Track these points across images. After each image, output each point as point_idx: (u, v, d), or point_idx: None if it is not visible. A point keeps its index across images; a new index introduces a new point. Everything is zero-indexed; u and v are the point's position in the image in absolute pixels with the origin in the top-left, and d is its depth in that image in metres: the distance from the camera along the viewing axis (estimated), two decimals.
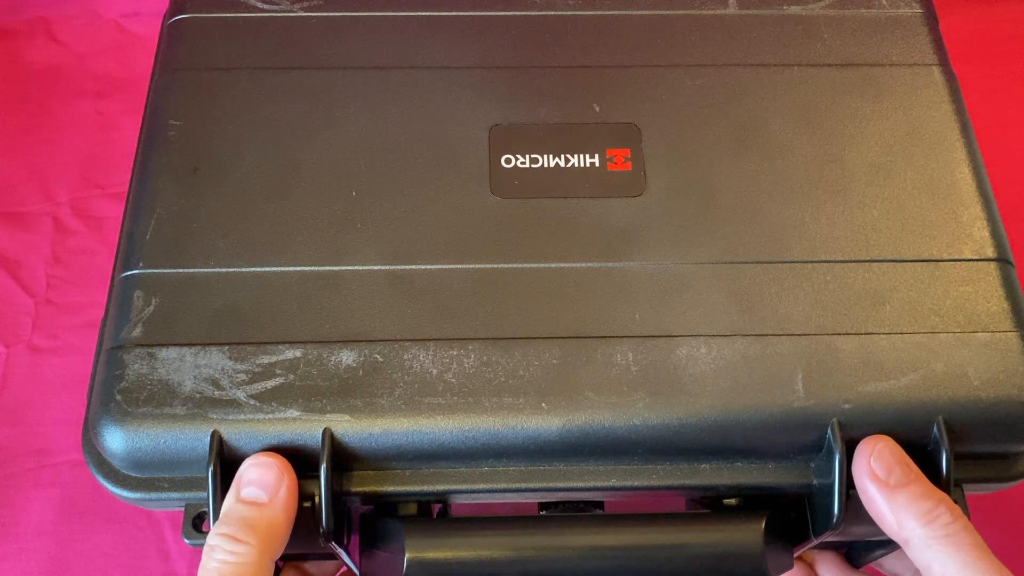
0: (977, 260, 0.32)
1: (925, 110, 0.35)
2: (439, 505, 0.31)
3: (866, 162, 0.34)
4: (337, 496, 0.28)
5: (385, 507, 0.30)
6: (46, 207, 0.54)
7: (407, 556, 0.28)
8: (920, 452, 0.29)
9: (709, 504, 0.31)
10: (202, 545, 0.29)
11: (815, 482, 0.29)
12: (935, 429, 0.28)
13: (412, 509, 0.30)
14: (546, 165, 0.34)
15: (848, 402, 0.29)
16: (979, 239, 0.32)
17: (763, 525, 0.29)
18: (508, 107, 0.35)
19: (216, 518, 0.27)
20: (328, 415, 0.28)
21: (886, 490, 0.27)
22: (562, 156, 0.34)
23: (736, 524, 0.30)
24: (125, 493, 0.29)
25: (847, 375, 0.29)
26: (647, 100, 0.35)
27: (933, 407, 0.28)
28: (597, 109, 0.35)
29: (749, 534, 0.29)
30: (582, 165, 0.34)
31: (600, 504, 0.31)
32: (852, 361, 0.29)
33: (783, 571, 0.30)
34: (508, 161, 0.34)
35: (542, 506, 0.31)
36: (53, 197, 0.54)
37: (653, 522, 0.30)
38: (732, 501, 0.31)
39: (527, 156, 0.34)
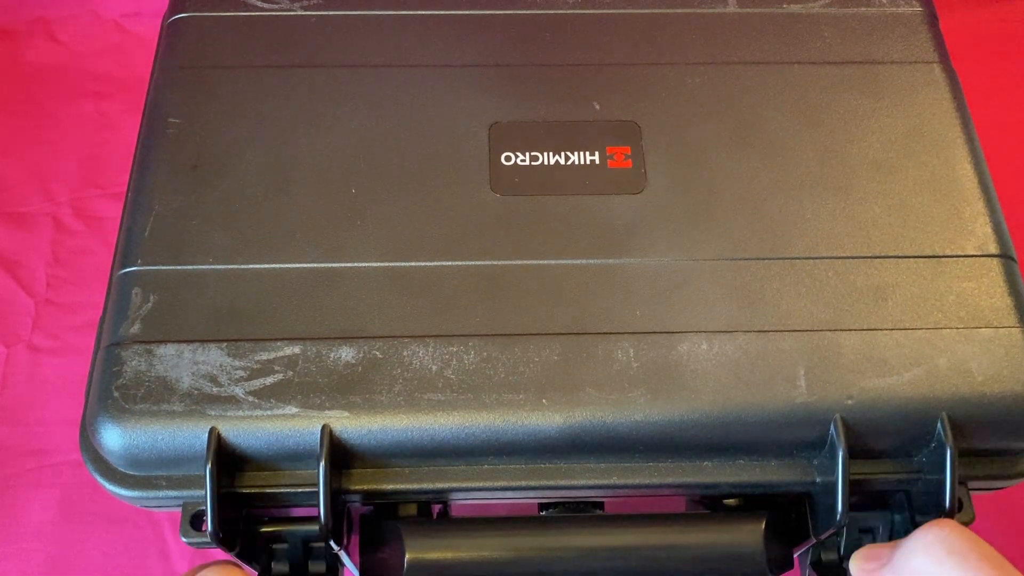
0: (980, 256, 0.31)
1: (926, 107, 0.35)
2: (439, 506, 0.31)
3: (867, 159, 0.34)
4: (336, 494, 0.28)
5: (385, 507, 0.30)
6: (46, 207, 0.54)
7: (407, 557, 0.28)
8: (924, 449, 0.29)
9: (709, 504, 0.31)
10: (200, 544, 0.28)
11: (817, 479, 0.29)
12: (939, 425, 0.28)
13: (412, 510, 0.30)
14: (546, 163, 0.34)
15: (851, 398, 0.28)
16: (981, 235, 0.32)
17: (763, 525, 0.29)
18: (508, 105, 0.35)
19: (214, 516, 0.27)
20: (327, 411, 0.28)
21: None
22: (562, 154, 0.34)
23: (736, 524, 0.30)
24: (123, 491, 0.28)
25: (850, 371, 0.29)
26: (647, 98, 0.35)
27: (936, 403, 0.28)
28: (597, 107, 0.35)
29: (749, 534, 0.29)
30: (582, 162, 0.34)
31: (600, 504, 0.31)
32: (855, 357, 0.29)
33: (783, 571, 0.30)
34: (508, 159, 0.34)
35: (542, 507, 0.31)
36: (53, 197, 0.54)
37: (653, 523, 0.30)
38: (732, 501, 0.31)
39: (527, 154, 0.34)
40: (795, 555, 0.32)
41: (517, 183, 0.33)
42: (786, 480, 0.29)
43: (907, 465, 0.29)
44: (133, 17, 0.59)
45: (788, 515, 0.31)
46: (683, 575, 0.29)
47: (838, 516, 0.28)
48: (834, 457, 0.28)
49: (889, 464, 0.29)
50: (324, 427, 0.28)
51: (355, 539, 0.31)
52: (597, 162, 0.34)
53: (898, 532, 0.30)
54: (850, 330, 0.30)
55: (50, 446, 0.47)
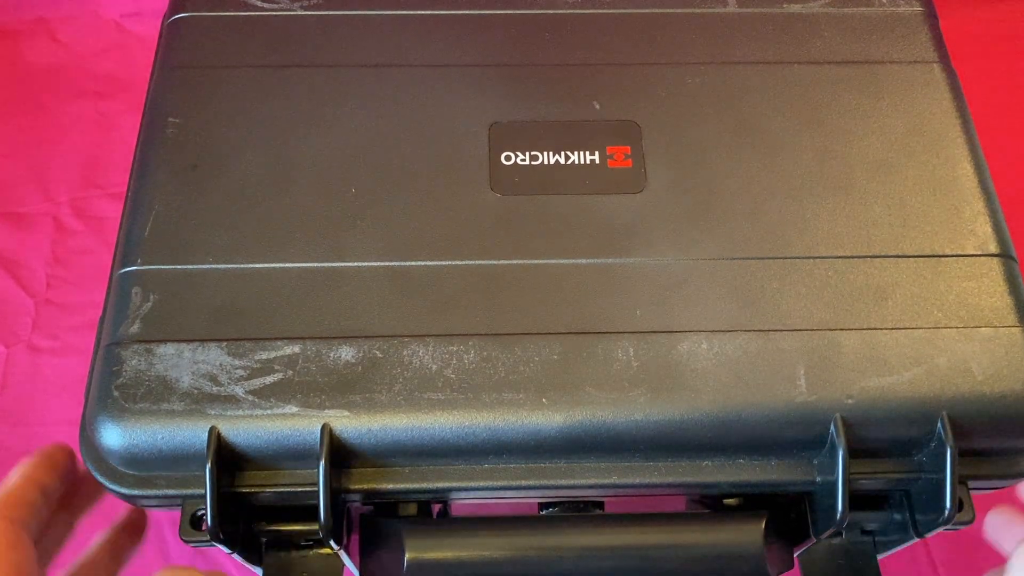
0: (980, 256, 0.31)
1: (926, 106, 0.35)
2: (439, 505, 0.31)
3: (867, 158, 0.34)
4: (336, 493, 0.28)
5: (385, 507, 0.30)
6: (46, 207, 0.54)
7: (407, 556, 0.28)
8: (924, 448, 0.28)
9: (709, 504, 0.31)
10: (200, 544, 0.28)
11: (818, 479, 0.29)
12: (939, 425, 0.28)
13: (412, 509, 0.30)
14: (546, 162, 0.34)
15: (851, 397, 0.28)
16: (981, 235, 0.32)
17: (763, 525, 0.29)
18: (508, 105, 0.35)
19: (214, 515, 0.27)
20: (327, 411, 0.28)
21: None
22: (562, 153, 0.34)
23: (736, 524, 0.30)
24: (123, 491, 0.28)
25: (850, 370, 0.29)
26: (647, 98, 0.35)
27: (936, 402, 0.28)
28: (597, 107, 0.35)
29: (749, 534, 0.29)
30: (582, 162, 0.34)
31: (600, 504, 0.31)
32: (855, 356, 0.29)
33: (783, 571, 0.30)
34: (508, 158, 0.34)
35: (542, 506, 0.31)
36: (53, 197, 0.54)
37: (653, 522, 0.30)
38: (732, 501, 0.30)
39: (527, 153, 0.34)
40: (795, 555, 0.32)
41: (517, 183, 0.33)
42: (786, 479, 0.29)
43: (907, 464, 0.29)
44: (133, 17, 0.59)
45: (788, 515, 0.31)
46: (683, 575, 0.29)
47: (838, 515, 0.27)
48: (834, 457, 0.28)
49: (889, 463, 0.29)
50: (324, 426, 0.27)
51: (355, 539, 0.31)
52: (597, 162, 0.34)
53: (898, 532, 0.30)
54: (850, 329, 0.30)
55: None
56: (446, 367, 0.28)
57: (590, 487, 0.29)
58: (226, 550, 0.28)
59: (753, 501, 0.30)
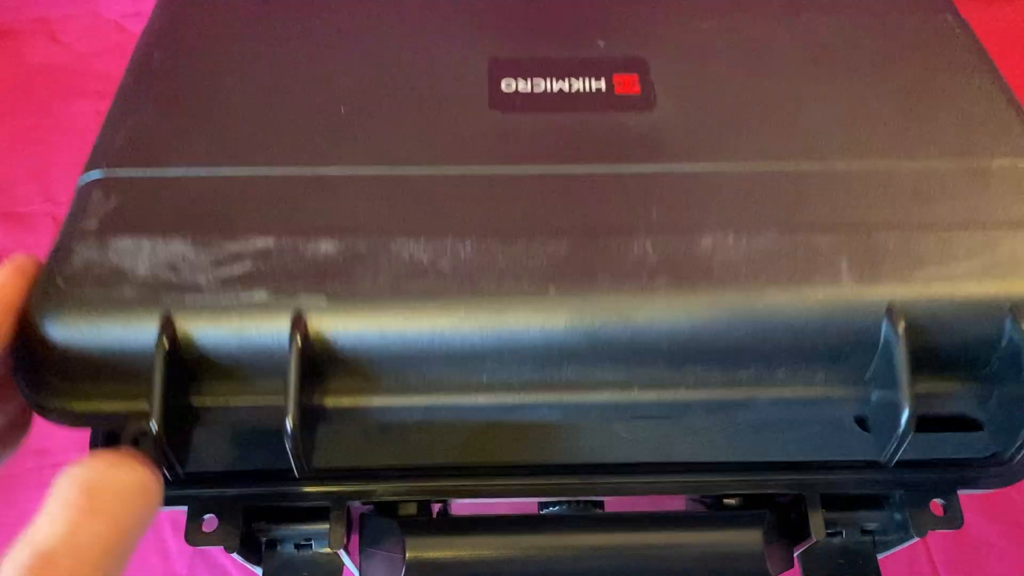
0: None
1: (950, 38, 0.33)
2: (439, 505, 0.30)
3: (893, 82, 0.31)
4: (310, 410, 0.24)
5: (385, 507, 0.29)
6: (46, 207, 0.54)
7: (407, 556, 0.28)
8: (994, 353, 0.24)
9: (709, 504, 0.30)
10: (203, 543, 0.26)
11: (873, 397, 0.24)
12: (1008, 323, 0.24)
13: (412, 509, 0.29)
14: (549, 89, 0.31)
15: (903, 289, 0.24)
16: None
17: (763, 525, 0.28)
18: (508, 42, 0.33)
19: (160, 429, 0.22)
20: (300, 296, 0.23)
21: None
22: (566, 79, 0.32)
23: (736, 524, 0.29)
24: (59, 408, 0.24)
25: (899, 264, 0.25)
26: (654, 37, 0.33)
27: (1001, 300, 0.24)
28: (602, 45, 0.33)
29: (749, 534, 0.28)
30: (588, 89, 0.31)
31: (600, 504, 0.30)
32: (900, 253, 0.25)
33: (783, 571, 0.29)
34: (509, 85, 0.31)
35: (542, 506, 0.30)
36: (53, 197, 0.54)
37: (653, 522, 0.30)
38: (732, 501, 0.29)
39: (528, 80, 0.31)
40: (795, 555, 0.30)
41: (518, 104, 0.31)
42: (836, 396, 0.24)
43: (976, 375, 0.25)
44: (133, 17, 0.59)
45: (788, 515, 0.29)
46: (683, 575, 0.28)
47: (901, 428, 0.23)
48: (890, 357, 0.23)
49: (955, 379, 0.25)
50: (297, 316, 0.23)
51: (355, 539, 0.29)
52: (603, 89, 0.31)
53: (898, 532, 0.28)
54: (895, 229, 0.26)
55: (51, 446, 0.45)
56: (439, 259, 0.24)
57: (606, 405, 0.24)
58: (226, 549, 0.26)
59: (753, 501, 0.29)
